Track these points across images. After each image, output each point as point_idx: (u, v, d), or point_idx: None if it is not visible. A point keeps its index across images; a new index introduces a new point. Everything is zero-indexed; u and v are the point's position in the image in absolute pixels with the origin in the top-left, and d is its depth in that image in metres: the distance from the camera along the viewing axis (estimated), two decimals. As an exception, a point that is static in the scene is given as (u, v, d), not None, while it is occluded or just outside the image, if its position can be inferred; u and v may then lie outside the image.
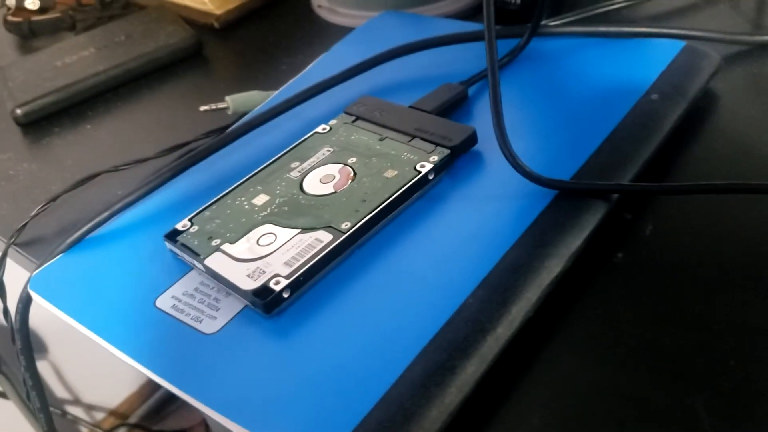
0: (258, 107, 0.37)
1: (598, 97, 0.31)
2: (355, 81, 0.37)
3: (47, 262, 0.30)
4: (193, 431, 1.24)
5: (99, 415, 1.23)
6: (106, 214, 0.31)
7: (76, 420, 1.15)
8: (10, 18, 0.54)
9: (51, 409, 1.08)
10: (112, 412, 1.24)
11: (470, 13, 0.45)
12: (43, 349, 1.09)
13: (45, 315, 0.32)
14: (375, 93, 0.36)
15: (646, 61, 0.33)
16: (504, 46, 0.37)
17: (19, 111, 0.43)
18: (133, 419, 1.25)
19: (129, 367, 1.24)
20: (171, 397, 1.30)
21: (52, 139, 0.42)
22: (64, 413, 1.13)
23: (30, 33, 0.54)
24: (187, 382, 0.23)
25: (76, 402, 1.19)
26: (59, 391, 1.15)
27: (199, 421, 1.25)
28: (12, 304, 0.33)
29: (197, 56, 0.48)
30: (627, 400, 0.21)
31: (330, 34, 0.47)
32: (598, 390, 0.22)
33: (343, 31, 0.47)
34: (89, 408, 1.22)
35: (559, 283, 0.25)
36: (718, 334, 0.23)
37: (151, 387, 1.29)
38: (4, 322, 1.05)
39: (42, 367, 1.09)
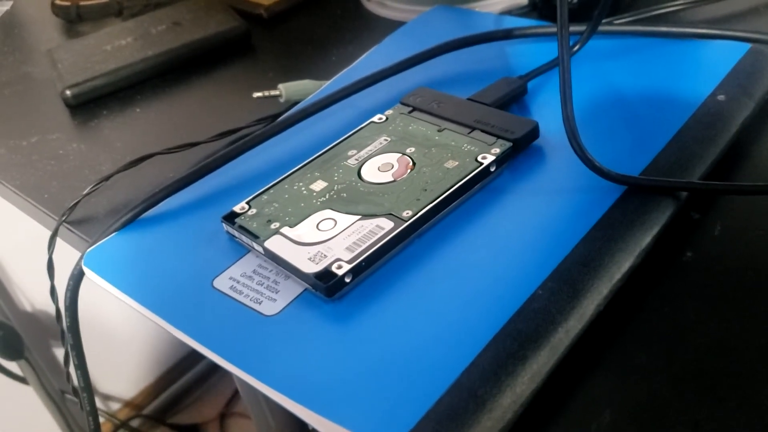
0: (310, 96, 0.37)
1: (662, 96, 0.31)
2: (407, 73, 0.37)
3: (101, 239, 0.30)
4: (207, 426, 1.24)
5: (115, 406, 1.23)
6: (161, 193, 0.30)
7: (93, 409, 1.15)
8: (58, 2, 0.54)
9: (68, 396, 1.09)
10: (128, 404, 1.25)
11: (520, 11, 0.45)
12: (59, 338, 1.09)
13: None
14: (428, 85, 0.35)
15: (711, 62, 0.32)
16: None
17: (68, 92, 0.43)
18: (147, 411, 1.25)
19: (145, 359, 1.25)
20: (186, 391, 1.30)
21: (100, 121, 0.42)
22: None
23: (77, 17, 0.55)
24: (250, 362, 0.23)
25: (93, 392, 1.19)
26: (75, 381, 1.15)
27: (214, 416, 1.25)
28: (57, 284, 0.33)
29: (245, 45, 0.48)
30: (701, 400, 0.21)
31: (378, 26, 0.47)
32: (670, 388, 0.21)
33: (391, 24, 0.47)
34: (105, 398, 1.22)
35: (628, 279, 0.24)
36: (792, 337, 0.22)
37: (166, 380, 1.29)
38: (28, 308, 1.05)
39: (59, 356, 1.09)
